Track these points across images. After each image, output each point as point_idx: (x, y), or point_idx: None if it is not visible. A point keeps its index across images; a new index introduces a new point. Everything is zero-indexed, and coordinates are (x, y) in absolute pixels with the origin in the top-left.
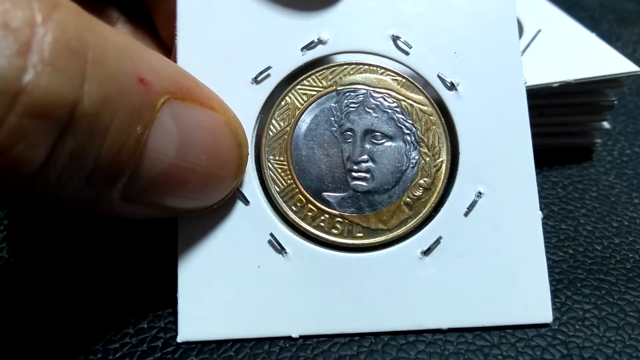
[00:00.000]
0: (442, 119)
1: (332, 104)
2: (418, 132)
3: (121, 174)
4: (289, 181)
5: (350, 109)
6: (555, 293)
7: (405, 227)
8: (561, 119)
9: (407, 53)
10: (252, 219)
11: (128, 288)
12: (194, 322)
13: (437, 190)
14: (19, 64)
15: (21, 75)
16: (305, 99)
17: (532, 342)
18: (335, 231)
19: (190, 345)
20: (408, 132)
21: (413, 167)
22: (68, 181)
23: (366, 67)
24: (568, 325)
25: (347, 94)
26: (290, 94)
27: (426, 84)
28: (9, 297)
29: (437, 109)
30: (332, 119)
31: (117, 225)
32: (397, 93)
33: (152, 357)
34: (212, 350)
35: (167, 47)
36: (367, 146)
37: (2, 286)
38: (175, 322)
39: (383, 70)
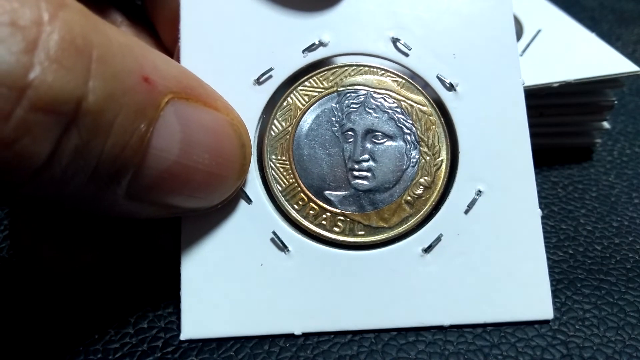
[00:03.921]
0: (442, 119)
1: (334, 105)
2: (418, 132)
3: (125, 171)
4: (291, 180)
5: (351, 109)
6: (555, 293)
7: (406, 225)
8: (561, 119)
9: (406, 55)
10: (254, 218)
11: (128, 288)
12: (197, 320)
13: (438, 189)
14: (26, 61)
15: (28, 71)
16: (307, 99)
17: (532, 342)
18: (337, 229)
19: (192, 344)
20: (408, 131)
21: (413, 166)
22: (72, 177)
23: (366, 68)
24: (568, 325)
25: (348, 94)
26: (292, 95)
27: (426, 85)
28: (9, 297)
29: (437, 109)
30: (334, 119)
31: (118, 225)
32: (397, 94)
33: (152, 357)
34: (212, 350)
35: (169, 52)
36: (368, 146)
37: (2, 286)
38: (175, 322)
39: (383, 72)
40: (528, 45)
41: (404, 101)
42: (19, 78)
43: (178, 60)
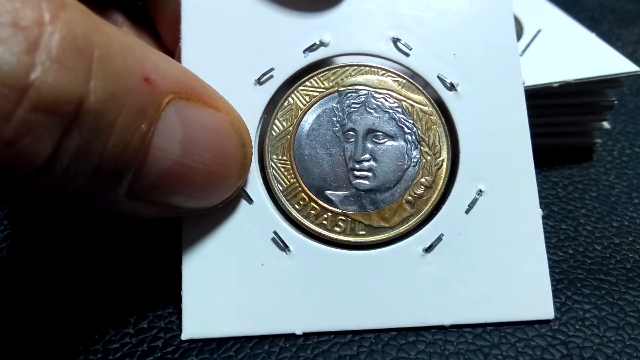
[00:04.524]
0: (443, 118)
1: (334, 105)
2: (419, 132)
3: (126, 171)
4: (292, 180)
5: (352, 109)
6: (555, 293)
7: (407, 225)
8: (561, 119)
9: (407, 55)
10: (255, 218)
11: (128, 288)
12: (199, 320)
13: (438, 189)
14: (27, 61)
15: (29, 71)
16: (308, 99)
17: (532, 342)
18: (338, 229)
19: (192, 344)
20: (409, 131)
21: (414, 166)
22: (74, 176)
23: (367, 68)
24: (568, 325)
25: (349, 94)
26: (292, 95)
27: (426, 85)
28: (9, 297)
29: (437, 109)
30: (334, 119)
31: (118, 225)
32: (398, 94)
33: (152, 357)
34: (212, 350)
35: (170, 52)
36: (369, 145)
37: (2, 286)
38: (176, 322)
39: (384, 72)
40: (528, 45)
41: (404, 101)
42: (21, 78)
43: (179, 60)
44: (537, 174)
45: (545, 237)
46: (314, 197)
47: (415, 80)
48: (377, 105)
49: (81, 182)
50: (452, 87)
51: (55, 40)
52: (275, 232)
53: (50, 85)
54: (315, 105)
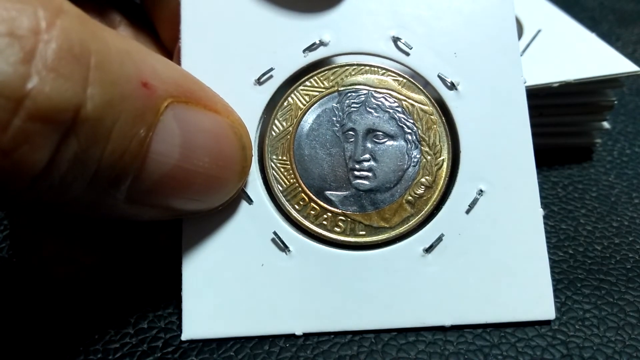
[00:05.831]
0: (443, 118)
1: (334, 104)
2: (419, 132)
3: (125, 176)
4: (291, 180)
5: (352, 109)
6: (555, 293)
7: (407, 225)
8: (561, 119)
9: (407, 54)
10: (255, 218)
11: (128, 288)
12: (199, 321)
13: (439, 189)
14: (23, 71)
15: (25, 81)
16: (308, 99)
17: (532, 342)
18: (338, 229)
19: (192, 345)
20: (409, 131)
21: (414, 166)
22: (71, 183)
23: (367, 68)
24: (568, 325)
25: (349, 94)
26: (292, 95)
27: (427, 84)
28: (9, 297)
29: (438, 108)
30: (334, 118)
31: (118, 226)
32: (398, 93)
33: (152, 357)
34: (212, 350)
35: (169, 51)
36: (369, 145)
37: (2, 286)
38: (176, 322)
39: (384, 71)
40: (528, 45)
41: (405, 100)
42: (17, 89)
43: (178, 60)
44: (537, 173)
45: (545, 237)
46: (313, 197)
47: (416, 79)
48: (377, 104)
49: (79, 188)
50: (452, 87)
51: (52, 49)
52: (275, 233)
53: (46, 94)
54: (315, 105)
